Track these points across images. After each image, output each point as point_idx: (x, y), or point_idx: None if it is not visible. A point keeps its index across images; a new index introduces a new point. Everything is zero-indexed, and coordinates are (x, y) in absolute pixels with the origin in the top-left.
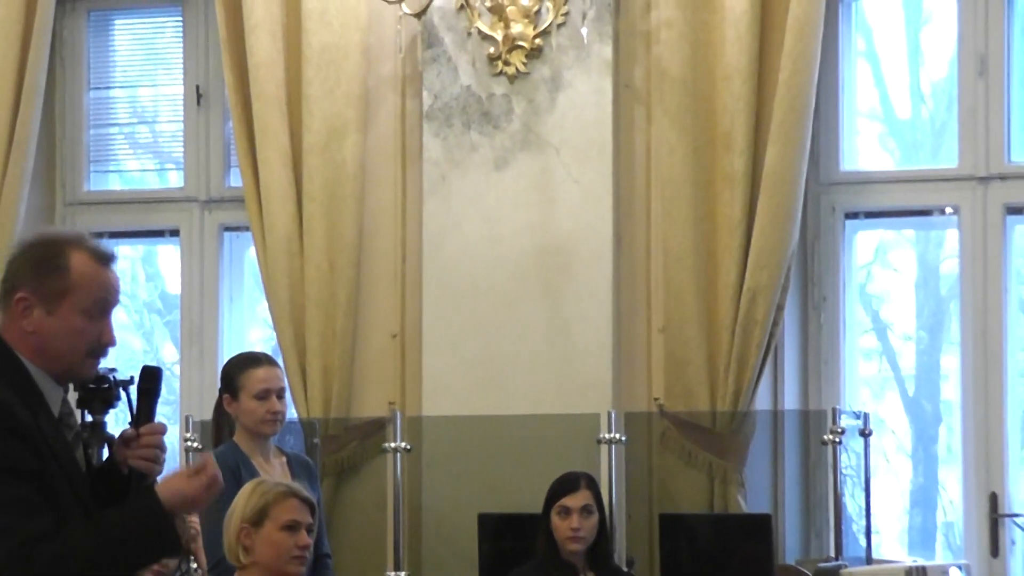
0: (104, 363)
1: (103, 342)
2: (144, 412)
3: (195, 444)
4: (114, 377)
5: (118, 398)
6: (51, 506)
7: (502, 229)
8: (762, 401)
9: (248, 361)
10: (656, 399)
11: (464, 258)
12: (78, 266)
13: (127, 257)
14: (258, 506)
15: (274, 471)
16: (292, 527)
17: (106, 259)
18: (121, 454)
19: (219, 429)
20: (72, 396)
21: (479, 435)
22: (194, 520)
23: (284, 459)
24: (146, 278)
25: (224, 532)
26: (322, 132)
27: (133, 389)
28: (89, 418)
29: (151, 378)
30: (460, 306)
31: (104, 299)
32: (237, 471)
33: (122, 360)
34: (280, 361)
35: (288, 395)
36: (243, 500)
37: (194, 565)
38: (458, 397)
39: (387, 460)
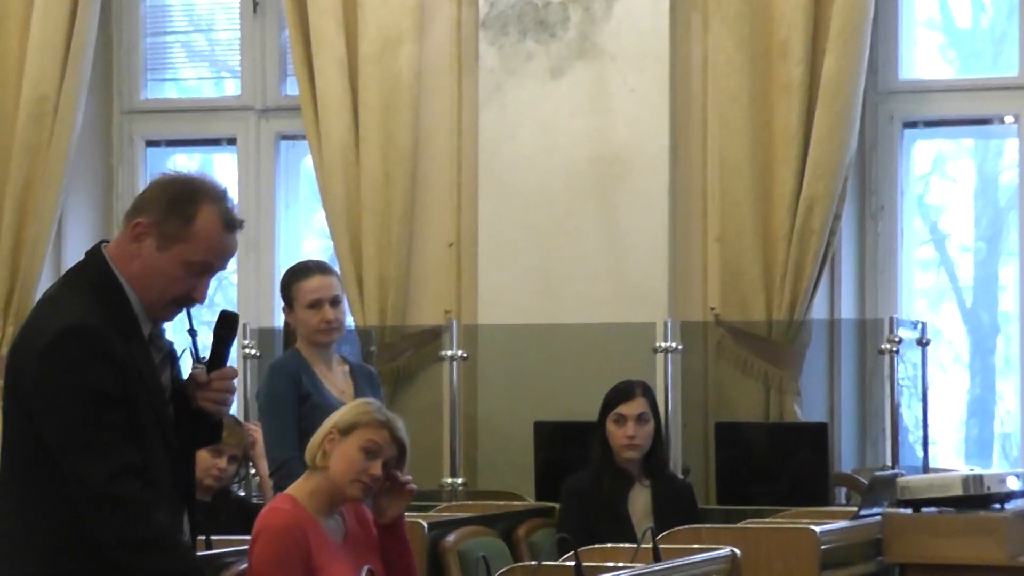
0: None
1: (192, 297)
2: (218, 356)
3: (253, 351)
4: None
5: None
6: (135, 433)
7: (558, 138)
8: (818, 310)
9: (300, 271)
10: (712, 308)
11: (520, 167)
12: (203, 222)
13: (184, 166)
14: (351, 419)
15: (336, 379)
16: (371, 452)
17: (231, 225)
18: (191, 392)
19: (288, 336)
20: None
21: (535, 344)
22: (253, 427)
23: (347, 368)
24: None
25: (317, 431)
26: (378, 41)
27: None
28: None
29: (227, 323)
30: (516, 215)
31: (210, 262)
32: (297, 378)
33: None
34: (337, 269)
35: (346, 303)
36: (345, 409)
37: (253, 471)
38: (514, 306)
39: (443, 368)
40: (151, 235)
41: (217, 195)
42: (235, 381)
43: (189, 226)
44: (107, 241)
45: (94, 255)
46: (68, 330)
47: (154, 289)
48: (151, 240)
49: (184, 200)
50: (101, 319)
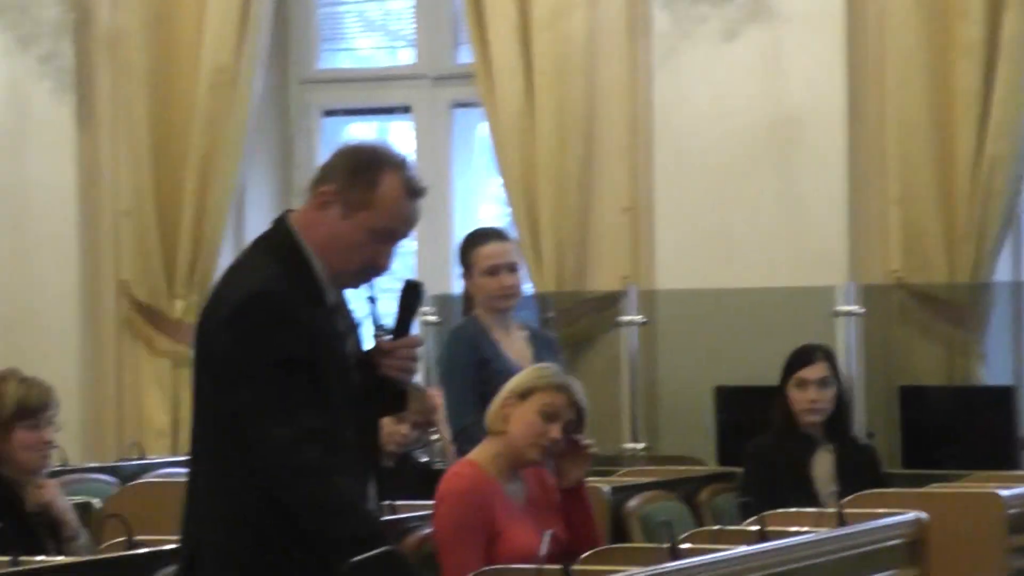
0: None
1: (377, 264)
2: (402, 324)
3: (432, 318)
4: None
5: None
6: (320, 399)
7: (733, 101)
8: (1002, 272)
9: (477, 238)
10: (894, 271)
11: (695, 131)
12: (387, 188)
13: (359, 135)
14: (529, 384)
15: (515, 344)
16: (549, 416)
17: (415, 192)
18: (376, 359)
19: (466, 303)
20: None
21: (714, 308)
22: (435, 392)
23: (526, 333)
24: None
25: (496, 396)
26: (550, 6)
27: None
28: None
29: (412, 292)
30: (692, 179)
31: (394, 229)
32: (476, 344)
33: None
34: (514, 235)
35: (523, 269)
36: (523, 374)
37: (435, 435)
38: (692, 270)
39: (621, 333)
40: (336, 203)
41: (400, 163)
42: (419, 349)
43: (373, 193)
44: (292, 210)
45: (280, 224)
46: (254, 296)
47: (339, 257)
48: (336, 208)
49: (367, 167)
50: (287, 285)
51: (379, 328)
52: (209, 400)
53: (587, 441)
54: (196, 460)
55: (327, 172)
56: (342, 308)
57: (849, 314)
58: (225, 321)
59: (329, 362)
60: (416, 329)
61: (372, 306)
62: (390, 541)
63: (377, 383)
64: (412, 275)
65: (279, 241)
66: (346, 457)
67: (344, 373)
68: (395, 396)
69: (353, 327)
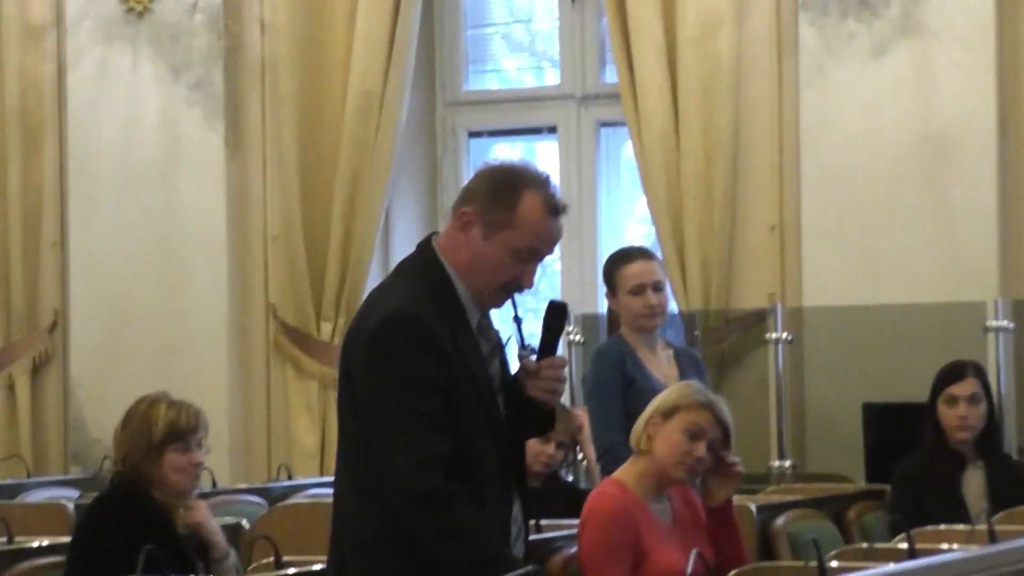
0: None
1: (521, 283)
2: (548, 345)
3: (578, 338)
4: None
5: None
6: (455, 423)
7: (881, 118)
8: None
9: (622, 257)
10: None
11: (843, 148)
12: (527, 208)
13: (506, 155)
14: (673, 402)
15: (660, 363)
16: (694, 435)
17: (555, 210)
18: (522, 381)
19: (611, 322)
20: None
21: (862, 325)
22: (580, 412)
23: (671, 352)
24: None
25: (641, 415)
26: (697, 25)
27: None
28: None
29: (557, 313)
30: (840, 196)
31: (536, 248)
32: (622, 364)
33: None
34: (659, 255)
35: (668, 288)
36: (667, 393)
37: (580, 455)
38: (839, 287)
39: (769, 351)
40: (477, 223)
41: (540, 181)
42: (564, 370)
43: (513, 212)
44: (437, 233)
45: (424, 246)
46: (392, 318)
47: (482, 277)
48: (477, 228)
49: (507, 187)
50: (427, 308)
51: (524, 348)
52: (348, 420)
53: (734, 459)
54: (340, 481)
55: (469, 193)
56: (487, 330)
57: (1000, 329)
58: (364, 341)
59: (469, 385)
60: (561, 350)
61: (517, 327)
62: (523, 563)
63: (523, 404)
64: (558, 295)
65: (422, 263)
66: (484, 480)
67: (487, 396)
68: (541, 417)
69: (498, 348)
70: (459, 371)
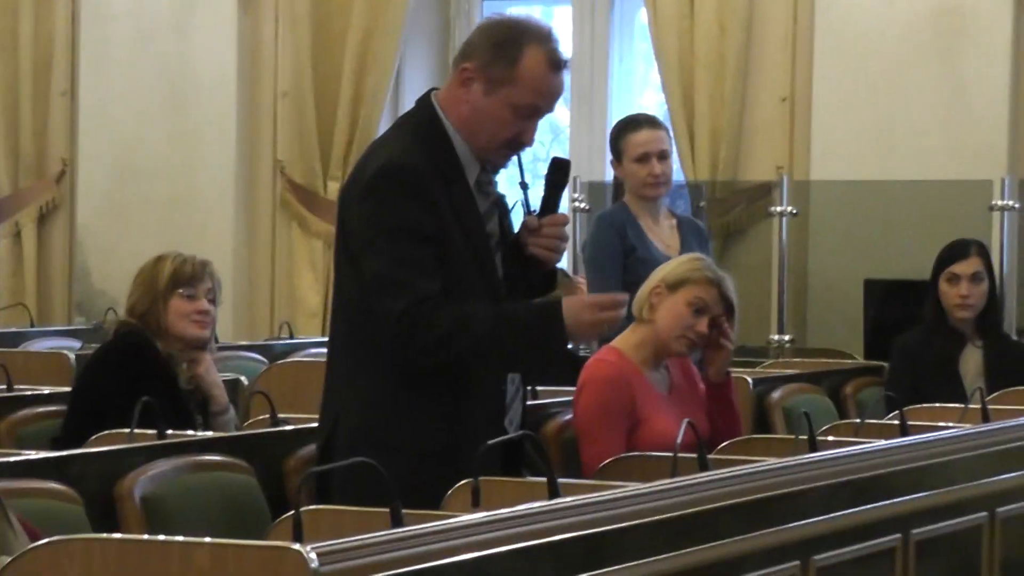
0: None
1: (522, 140)
2: (550, 202)
3: (584, 205)
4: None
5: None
6: (445, 272)
7: None
8: None
9: (628, 125)
10: None
11: (857, 20)
12: (529, 63)
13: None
14: (681, 275)
15: (662, 233)
16: (699, 309)
17: (557, 65)
18: (523, 239)
19: (617, 190)
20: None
21: (867, 200)
22: (580, 280)
23: (674, 221)
24: None
25: (644, 284)
26: None
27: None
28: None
29: (560, 170)
30: (852, 69)
31: (537, 104)
32: (623, 230)
33: None
34: (668, 124)
35: (675, 157)
36: (674, 263)
37: None
38: (847, 161)
39: (773, 224)
40: (478, 79)
41: (542, 35)
42: (567, 228)
43: (515, 68)
44: (437, 88)
45: (423, 101)
46: (384, 168)
47: (483, 134)
48: (478, 84)
49: (509, 42)
50: (419, 159)
51: (529, 214)
52: (346, 272)
53: (726, 339)
54: (334, 336)
55: (469, 48)
56: (485, 186)
57: (1005, 208)
58: (358, 193)
59: (461, 238)
60: (563, 208)
61: (524, 192)
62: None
63: (524, 264)
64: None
65: (420, 118)
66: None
67: (483, 252)
68: (542, 277)
69: (499, 207)
70: (450, 224)
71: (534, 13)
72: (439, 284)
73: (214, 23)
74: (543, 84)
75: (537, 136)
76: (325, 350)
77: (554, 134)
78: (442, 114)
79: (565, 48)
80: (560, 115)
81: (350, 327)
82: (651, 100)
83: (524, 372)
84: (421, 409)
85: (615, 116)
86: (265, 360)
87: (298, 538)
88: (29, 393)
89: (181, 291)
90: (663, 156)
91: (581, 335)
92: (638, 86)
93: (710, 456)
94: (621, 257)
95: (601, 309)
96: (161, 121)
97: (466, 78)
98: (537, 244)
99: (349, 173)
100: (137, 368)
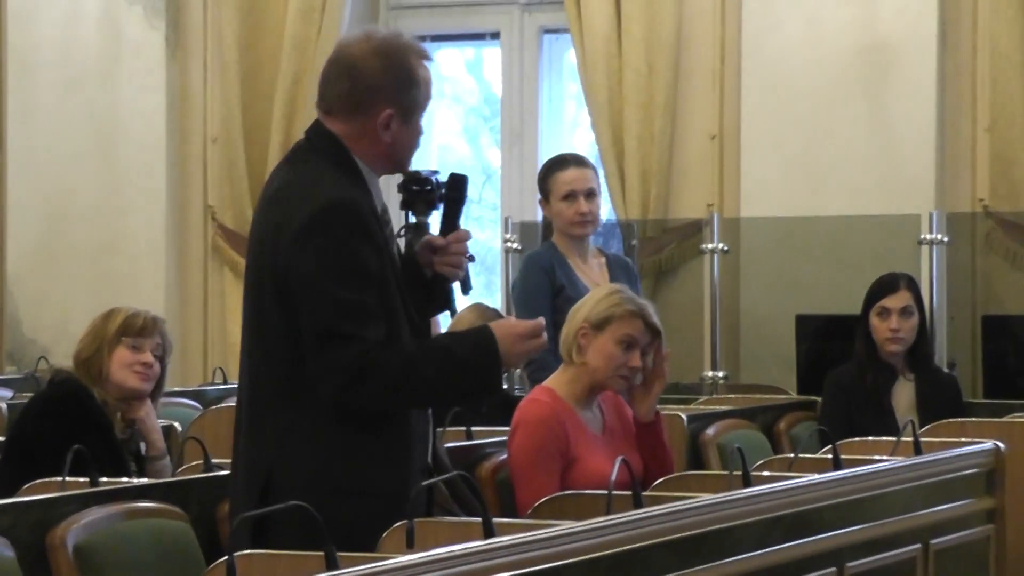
0: (427, 165)
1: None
2: (450, 219)
3: (514, 245)
4: (436, 179)
5: (440, 200)
6: (386, 309)
7: (823, 28)
8: None
9: (556, 164)
10: (981, 200)
11: (784, 58)
12: (424, 76)
13: (450, 60)
14: (603, 313)
15: (591, 271)
16: (628, 344)
17: (429, 58)
18: (425, 259)
19: (546, 230)
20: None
21: (798, 236)
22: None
23: (603, 260)
24: (475, 82)
25: (566, 324)
26: None
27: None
28: (413, 219)
29: (457, 186)
30: (780, 107)
31: (427, 102)
32: (551, 270)
33: (447, 164)
34: (599, 163)
35: (606, 197)
36: (593, 301)
37: None
38: (777, 198)
39: (704, 261)
40: (395, 115)
41: (415, 48)
42: (467, 244)
43: (420, 89)
44: (319, 121)
45: (324, 133)
46: (328, 206)
47: (406, 159)
48: (396, 121)
49: (406, 71)
50: (357, 195)
51: (410, 228)
52: (269, 317)
53: (664, 367)
54: (257, 382)
55: (373, 93)
56: (385, 215)
57: (934, 242)
58: (300, 234)
59: (392, 274)
60: (464, 224)
61: (406, 210)
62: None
63: (428, 284)
64: (499, 202)
65: (329, 150)
66: None
67: (403, 283)
68: (443, 296)
69: (409, 236)
70: (385, 259)
71: (463, 54)
72: (384, 328)
73: (142, 70)
74: (429, 84)
75: (469, 176)
76: None
77: (486, 175)
78: (348, 149)
79: (496, 89)
80: (491, 156)
81: (286, 371)
82: (582, 140)
83: (463, 406)
84: (373, 451)
85: (545, 156)
86: (199, 406)
87: None
88: None
89: (128, 340)
90: (591, 194)
91: (510, 365)
92: (568, 126)
93: (644, 493)
94: (550, 296)
95: (529, 338)
96: (90, 168)
97: (387, 123)
98: (444, 262)
99: (263, 206)
100: (72, 416)
